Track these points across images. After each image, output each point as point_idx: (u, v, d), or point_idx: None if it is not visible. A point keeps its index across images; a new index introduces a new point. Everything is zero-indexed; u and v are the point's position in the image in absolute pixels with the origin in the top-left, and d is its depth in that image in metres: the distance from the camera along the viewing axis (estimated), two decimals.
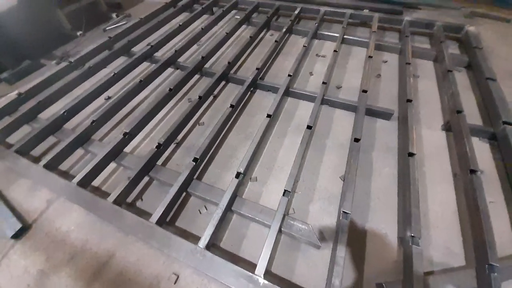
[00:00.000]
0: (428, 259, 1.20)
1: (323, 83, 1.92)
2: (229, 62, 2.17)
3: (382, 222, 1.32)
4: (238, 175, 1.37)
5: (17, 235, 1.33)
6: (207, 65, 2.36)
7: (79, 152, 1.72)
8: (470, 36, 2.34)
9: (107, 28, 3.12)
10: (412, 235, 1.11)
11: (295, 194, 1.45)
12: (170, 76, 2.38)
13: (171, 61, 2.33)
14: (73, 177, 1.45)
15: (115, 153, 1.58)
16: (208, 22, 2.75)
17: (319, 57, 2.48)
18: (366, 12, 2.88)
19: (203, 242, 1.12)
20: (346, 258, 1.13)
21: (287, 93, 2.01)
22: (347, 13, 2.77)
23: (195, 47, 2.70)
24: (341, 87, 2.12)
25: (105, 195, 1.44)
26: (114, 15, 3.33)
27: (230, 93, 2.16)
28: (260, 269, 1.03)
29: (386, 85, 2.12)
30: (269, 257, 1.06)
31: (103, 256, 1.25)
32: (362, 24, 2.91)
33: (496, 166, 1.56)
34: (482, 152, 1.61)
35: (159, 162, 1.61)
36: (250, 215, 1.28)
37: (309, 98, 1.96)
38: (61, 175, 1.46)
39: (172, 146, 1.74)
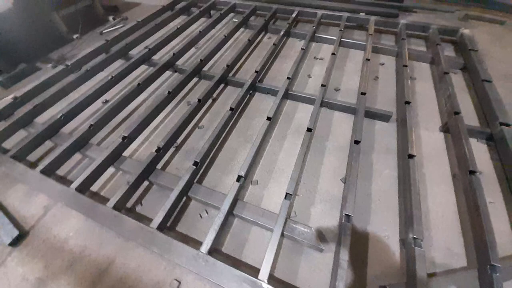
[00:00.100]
0: (430, 260, 1.20)
1: (322, 85, 1.93)
2: (227, 65, 2.17)
3: (383, 224, 1.32)
4: (239, 178, 1.36)
5: (15, 242, 1.30)
6: (205, 68, 2.36)
7: (77, 156, 1.70)
8: (465, 38, 2.38)
9: (104, 31, 3.10)
10: (414, 237, 1.11)
11: (296, 197, 1.44)
12: (168, 79, 2.36)
13: (169, 64, 2.32)
14: (71, 182, 1.43)
15: (114, 158, 1.56)
16: (206, 25, 2.75)
17: (317, 59, 2.50)
18: (362, 15, 2.91)
19: (205, 247, 1.11)
20: (349, 261, 1.13)
21: (286, 95, 2.02)
22: (343, 16, 2.79)
23: (193, 50, 2.69)
24: (339, 89, 2.14)
25: (104, 200, 1.41)
26: (110, 18, 3.31)
27: (229, 96, 2.15)
28: (264, 273, 1.02)
29: (383, 87, 2.14)
30: (272, 262, 1.05)
31: (102, 263, 1.23)
32: (359, 27, 2.94)
33: (494, 166, 1.57)
34: (479, 153, 1.62)
35: (159, 166, 1.59)
36: (251, 219, 1.28)
37: (308, 100, 1.97)
38: (59, 180, 1.44)
39: (172, 149, 1.73)
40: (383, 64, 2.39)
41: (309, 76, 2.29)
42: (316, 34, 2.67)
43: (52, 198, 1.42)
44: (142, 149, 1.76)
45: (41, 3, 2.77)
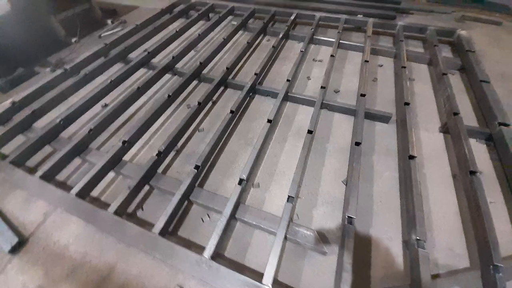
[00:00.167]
0: (433, 261, 1.20)
1: (322, 87, 1.93)
2: (227, 68, 2.17)
3: (385, 225, 1.32)
4: (240, 181, 1.36)
5: (14, 250, 1.28)
6: (205, 71, 2.36)
7: (76, 161, 1.69)
8: (462, 39, 2.40)
9: (102, 35, 3.10)
10: (417, 238, 1.11)
11: (298, 199, 1.44)
12: (167, 82, 2.36)
13: (169, 67, 2.31)
14: (71, 187, 1.41)
15: (114, 162, 1.55)
16: (204, 28, 2.76)
17: (316, 61, 2.51)
18: (360, 17, 2.93)
19: (208, 252, 1.10)
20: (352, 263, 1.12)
21: (286, 98, 2.02)
22: (341, 19, 2.81)
23: (192, 53, 2.69)
24: (339, 91, 2.14)
25: (104, 205, 1.40)
26: (109, 21, 3.31)
27: (229, 98, 2.15)
28: (268, 278, 1.02)
29: (382, 89, 2.15)
30: (276, 266, 1.05)
31: (103, 269, 1.22)
32: (357, 29, 2.96)
33: (493, 166, 1.58)
34: (479, 153, 1.63)
35: (159, 170, 1.59)
36: (254, 223, 1.27)
37: (308, 102, 1.98)
38: (59, 186, 1.42)
39: (172, 153, 1.72)
40: (381, 65, 2.41)
41: (309, 78, 2.30)
42: (314, 36, 2.69)
43: (52, 204, 1.41)
44: (142, 153, 1.75)
45: (39, 7, 2.76)
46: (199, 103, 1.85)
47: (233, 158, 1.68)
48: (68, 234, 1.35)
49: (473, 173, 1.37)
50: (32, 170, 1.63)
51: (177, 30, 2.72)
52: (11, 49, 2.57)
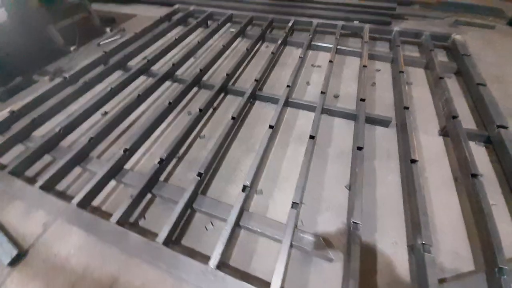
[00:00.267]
0: (439, 265, 1.19)
1: (322, 92, 1.95)
2: (227, 74, 2.18)
3: (390, 230, 1.32)
4: (244, 188, 1.35)
5: (14, 262, 1.25)
6: (204, 78, 2.37)
7: (76, 170, 1.67)
8: (457, 44, 2.45)
9: (101, 43, 3.10)
10: (423, 242, 1.11)
11: (302, 205, 1.43)
12: (167, 89, 2.36)
13: (169, 75, 2.32)
14: (71, 197, 1.39)
15: (116, 171, 1.54)
16: (203, 35, 2.78)
17: (315, 67, 2.53)
18: (356, 23, 2.98)
19: (213, 262, 1.08)
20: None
21: (287, 103, 2.03)
22: (338, 25, 2.85)
23: (191, 60, 2.70)
24: (338, 96, 2.16)
25: (106, 215, 1.38)
26: (108, 29, 3.32)
27: (229, 105, 2.16)
28: (275, 287, 1.00)
29: (381, 93, 2.17)
30: (283, 274, 1.04)
31: (106, 281, 1.19)
32: (353, 35, 3.00)
33: (493, 168, 1.60)
34: (478, 155, 1.64)
35: (161, 178, 1.57)
36: (258, 230, 1.26)
37: (309, 107, 1.99)
38: (59, 196, 1.40)
39: (174, 160, 1.71)
40: (379, 70, 2.44)
41: (308, 84, 2.32)
42: (312, 43, 2.72)
43: (52, 214, 1.38)
44: (143, 161, 1.74)
45: (37, 16, 2.77)
46: (200, 110, 1.85)
47: (235, 164, 1.68)
48: (69, 245, 1.32)
49: (474, 176, 1.38)
50: (31, 180, 1.61)
51: (176, 37, 2.74)
52: (9, 58, 2.57)
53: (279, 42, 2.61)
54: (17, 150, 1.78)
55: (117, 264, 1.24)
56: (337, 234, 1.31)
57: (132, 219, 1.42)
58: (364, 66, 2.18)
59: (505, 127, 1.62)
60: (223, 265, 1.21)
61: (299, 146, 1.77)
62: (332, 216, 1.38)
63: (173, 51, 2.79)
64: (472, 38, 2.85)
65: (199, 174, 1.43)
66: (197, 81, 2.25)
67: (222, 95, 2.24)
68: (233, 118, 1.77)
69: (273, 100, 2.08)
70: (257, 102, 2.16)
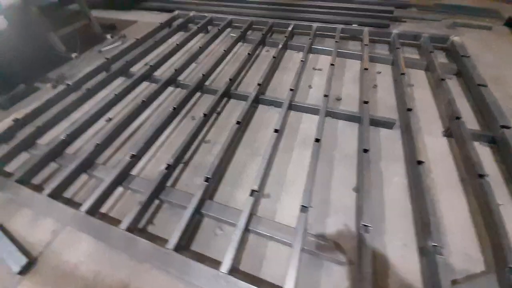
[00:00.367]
0: (450, 267, 1.20)
1: (325, 95, 1.96)
2: (230, 79, 2.20)
3: (399, 232, 1.32)
4: (252, 193, 1.36)
5: (23, 271, 1.24)
6: (207, 83, 2.38)
7: (82, 177, 1.66)
8: (456, 45, 2.49)
9: (103, 49, 3.12)
10: (435, 244, 1.12)
11: (310, 209, 1.43)
12: (170, 95, 2.37)
13: (171, 80, 2.33)
14: (79, 204, 1.39)
15: (123, 177, 1.54)
16: (204, 40, 2.80)
17: (316, 70, 2.56)
18: (355, 26, 3.02)
19: (225, 267, 1.08)
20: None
21: (290, 107, 2.04)
22: (338, 28, 2.89)
23: (193, 65, 2.72)
24: (340, 99, 2.18)
25: (115, 221, 1.38)
26: (108, 36, 3.34)
27: (232, 109, 2.17)
28: None
29: (383, 95, 2.19)
30: (295, 278, 1.04)
31: None
32: (352, 38, 3.04)
33: (498, 168, 1.61)
34: (483, 155, 1.65)
35: (168, 183, 1.57)
36: (268, 234, 1.26)
37: (312, 111, 2.00)
38: (66, 203, 1.40)
39: (180, 166, 1.71)
40: (379, 72, 2.46)
41: (310, 87, 2.34)
42: (312, 46, 2.75)
43: (62, 222, 1.38)
44: (149, 166, 1.74)
45: (38, 23, 2.78)
46: (204, 115, 1.85)
47: (241, 169, 1.68)
48: (79, 252, 1.31)
49: (481, 176, 1.39)
50: (38, 188, 1.60)
51: (178, 43, 2.76)
52: (10, 66, 2.57)
53: (280, 46, 2.63)
54: (22, 158, 1.77)
55: (127, 270, 1.24)
56: (347, 237, 1.31)
57: (140, 225, 1.42)
58: (365, 68, 2.21)
59: (508, 127, 1.64)
60: (234, 270, 1.21)
61: (304, 149, 1.78)
62: (341, 219, 1.39)
63: (175, 57, 2.80)
64: (470, 39, 2.89)
65: (207, 179, 1.43)
66: (199, 86, 2.27)
67: (225, 99, 2.25)
68: (238, 122, 1.78)
69: (276, 104, 2.10)
70: (260, 106, 2.17)
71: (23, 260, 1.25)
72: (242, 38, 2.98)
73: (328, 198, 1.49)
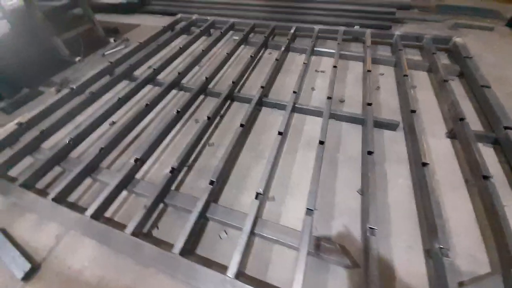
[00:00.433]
0: (456, 269, 1.19)
1: (328, 98, 1.96)
2: (233, 82, 2.20)
3: (405, 234, 1.32)
4: (257, 196, 1.35)
5: (27, 276, 1.24)
6: (210, 86, 2.39)
7: (86, 181, 1.67)
8: (458, 46, 2.48)
9: (106, 53, 3.13)
10: (441, 246, 1.11)
11: (315, 211, 1.43)
12: (173, 98, 2.38)
13: (175, 83, 2.34)
14: (83, 208, 1.40)
15: (127, 181, 1.54)
16: (207, 44, 2.81)
17: (319, 72, 2.56)
18: (357, 28, 3.02)
19: (231, 271, 1.08)
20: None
21: (294, 109, 2.04)
22: (340, 30, 2.89)
23: (196, 68, 2.73)
24: (344, 101, 2.18)
25: (119, 226, 1.38)
26: (111, 40, 3.36)
27: (236, 112, 2.17)
28: None
29: (386, 97, 2.19)
30: (302, 283, 1.03)
31: None
32: (354, 40, 3.04)
33: (502, 169, 1.60)
34: (487, 157, 1.64)
35: (172, 186, 1.57)
36: (274, 238, 1.26)
37: (316, 113, 2.00)
38: (71, 207, 1.40)
39: (184, 169, 1.71)
40: (382, 74, 2.47)
41: (313, 89, 2.34)
42: (315, 48, 2.76)
43: (66, 226, 1.38)
44: (153, 170, 1.74)
45: (41, 28, 2.80)
46: (208, 118, 1.86)
47: (245, 171, 1.68)
48: (83, 257, 1.31)
49: (486, 177, 1.38)
50: (42, 192, 1.60)
51: (181, 46, 2.77)
52: (14, 70, 2.58)
53: (282, 48, 2.64)
54: (26, 163, 1.78)
55: (132, 275, 1.23)
56: (352, 240, 1.30)
57: (145, 229, 1.41)
58: (368, 70, 2.21)
59: None
60: (240, 275, 1.20)
61: (308, 151, 1.78)
62: (346, 221, 1.38)
63: (178, 60, 2.82)
64: (472, 40, 2.88)
65: (211, 182, 1.43)
66: (203, 89, 2.27)
67: (228, 102, 2.25)
68: (242, 125, 1.78)
69: (279, 106, 2.10)
70: (263, 109, 2.17)
71: (27, 266, 1.25)
72: (244, 41, 2.99)
73: (333, 201, 1.49)
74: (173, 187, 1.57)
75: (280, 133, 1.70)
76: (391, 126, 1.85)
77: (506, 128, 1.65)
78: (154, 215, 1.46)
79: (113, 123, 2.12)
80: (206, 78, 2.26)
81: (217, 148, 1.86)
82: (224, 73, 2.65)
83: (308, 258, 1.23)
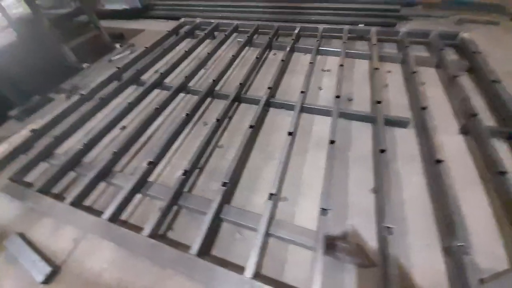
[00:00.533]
0: (476, 266, 1.17)
1: (337, 97, 1.96)
2: (240, 83, 2.21)
3: (422, 232, 1.31)
4: (271, 196, 1.36)
5: (48, 280, 1.26)
6: (217, 88, 2.40)
7: (100, 185, 1.69)
8: (466, 41, 2.46)
9: (112, 59, 3.18)
10: (461, 244, 1.10)
11: (329, 211, 1.43)
12: (181, 101, 2.40)
13: (182, 87, 2.36)
14: (98, 212, 1.41)
15: (141, 184, 1.55)
16: (212, 46, 2.83)
17: (325, 71, 2.56)
18: (361, 26, 3.02)
19: (249, 272, 1.08)
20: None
21: (302, 109, 2.04)
22: (345, 29, 2.89)
23: (202, 71, 2.75)
24: (352, 99, 2.18)
25: (135, 228, 1.39)
26: (117, 45, 3.41)
27: (243, 113, 2.18)
28: None
29: (394, 94, 2.18)
30: (321, 283, 1.03)
31: None
32: (359, 38, 3.04)
33: None
34: (501, 152, 1.62)
35: (185, 189, 1.59)
36: (289, 238, 1.26)
37: (324, 112, 2.00)
38: (87, 211, 1.42)
39: (195, 171, 1.72)
40: (389, 71, 2.45)
41: (320, 88, 2.34)
42: (320, 48, 2.76)
43: (84, 230, 1.40)
44: (165, 172, 1.76)
45: (48, 35, 2.85)
46: (217, 120, 1.87)
47: (257, 173, 1.69)
48: (101, 259, 1.33)
49: (502, 173, 1.37)
50: (58, 197, 1.63)
51: (186, 50, 2.79)
52: (24, 77, 2.63)
53: (288, 49, 2.64)
54: (40, 169, 1.81)
55: (150, 277, 1.25)
56: (367, 239, 1.30)
57: (160, 231, 1.43)
58: (376, 68, 2.20)
59: None
60: (257, 275, 1.20)
61: (318, 151, 1.77)
62: (361, 220, 1.38)
63: (184, 64, 2.84)
64: (478, 35, 2.84)
65: (224, 184, 1.44)
66: (210, 92, 2.29)
67: (235, 104, 2.26)
68: (251, 126, 1.79)
69: (287, 107, 2.10)
70: (271, 109, 2.18)
71: (47, 269, 1.27)
72: (249, 42, 3.00)
73: (346, 200, 1.48)
74: (185, 189, 1.58)
75: (290, 134, 1.70)
76: (401, 123, 1.84)
77: None
78: (169, 217, 1.48)
79: (124, 127, 2.14)
80: (213, 80, 2.28)
81: (227, 150, 1.87)
82: (230, 75, 2.66)
83: (325, 257, 1.24)
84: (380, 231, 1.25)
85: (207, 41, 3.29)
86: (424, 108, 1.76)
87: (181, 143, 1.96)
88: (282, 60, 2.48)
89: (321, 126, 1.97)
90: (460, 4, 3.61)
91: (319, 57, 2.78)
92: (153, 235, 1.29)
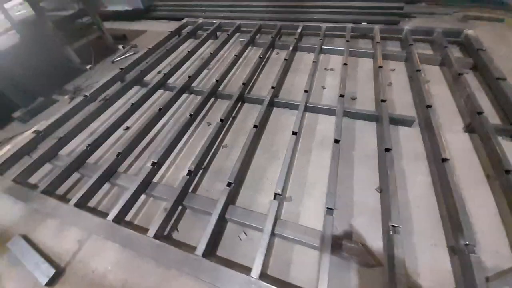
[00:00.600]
0: (483, 265, 1.16)
1: (341, 96, 1.95)
2: (244, 83, 2.21)
3: (427, 231, 1.30)
4: (276, 196, 1.35)
5: (52, 282, 1.26)
6: (220, 88, 2.40)
7: (105, 186, 1.69)
8: (470, 39, 2.44)
9: (116, 60, 3.19)
10: (467, 243, 1.09)
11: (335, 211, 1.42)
12: (184, 102, 2.40)
13: (186, 87, 2.36)
14: (103, 213, 1.42)
15: (146, 185, 1.55)
16: (214, 46, 2.83)
17: (328, 70, 2.55)
18: (364, 24, 3.00)
19: (255, 272, 1.08)
20: None
21: (306, 108, 2.03)
22: (348, 27, 2.87)
23: (205, 71, 2.75)
24: (356, 98, 2.16)
25: (140, 229, 1.39)
26: (120, 46, 3.42)
27: (247, 113, 2.18)
28: None
29: (399, 93, 2.17)
30: (328, 283, 1.02)
31: None
32: (362, 36, 3.02)
33: None
34: (508, 150, 1.61)
35: (190, 189, 1.58)
36: (294, 238, 1.25)
37: (328, 111, 1.99)
38: (92, 212, 1.42)
39: (199, 171, 1.72)
40: (393, 70, 2.44)
41: (323, 88, 2.33)
42: (323, 47, 2.74)
43: (89, 231, 1.40)
44: (169, 173, 1.76)
45: (51, 37, 2.86)
46: (221, 120, 1.87)
47: (261, 172, 1.68)
48: (106, 261, 1.33)
49: (508, 172, 1.35)
50: (62, 198, 1.63)
51: (189, 50, 2.79)
52: (27, 79, 2.64)
53: (290, 48, 2.63)
54: (45, 170, 1.82)
55: (155, 278, 1.25)
56: (373, 238, 1.29)
57: (165, 232, 1.43)
58: (380, 67, 2.19)
59: None
60: (263, 276, 1.19)
61: (322, 151, 1.77)
62: (366, 220, 1.37)
63: (187, 64, 2.84)
64: (482, 32, 2.81)
65: (229, 184, 1.44)
66: (213, 92, 2.29)
67: (239, 103, 2.26)
68: (255, 126, 1.78)
69: (291, 106, 2.09)
70: (274, 109, 2.17)
71: (51, 271, 1.28)
72: (251, 42, 3.00)
73: (352, 200, 1.47)
74: (190, 190, 1.58)
75: (294, 133, 1.69)
76: (406, 122, 1.83)
77: None
78: (174, 218, 1.47)
79: (127, 128, 2.15)
80: (216, 80, 2.28)
81: (231, 150, 1.86)
82: (233, 75, 2.66)
83: (331, 257, 1.23)
84: (385, 230, 1.24)
85: (210, 41, 3.29)
86: (429, 107, 1.74)
87: (185, 143, 1.96)
88: (285, 60, 2.47)
89: (325, 125, 1.96)
90: (464, 1, 3.57)
91: (322, 56, 2.77)
92: (158, 236, 1.29)
